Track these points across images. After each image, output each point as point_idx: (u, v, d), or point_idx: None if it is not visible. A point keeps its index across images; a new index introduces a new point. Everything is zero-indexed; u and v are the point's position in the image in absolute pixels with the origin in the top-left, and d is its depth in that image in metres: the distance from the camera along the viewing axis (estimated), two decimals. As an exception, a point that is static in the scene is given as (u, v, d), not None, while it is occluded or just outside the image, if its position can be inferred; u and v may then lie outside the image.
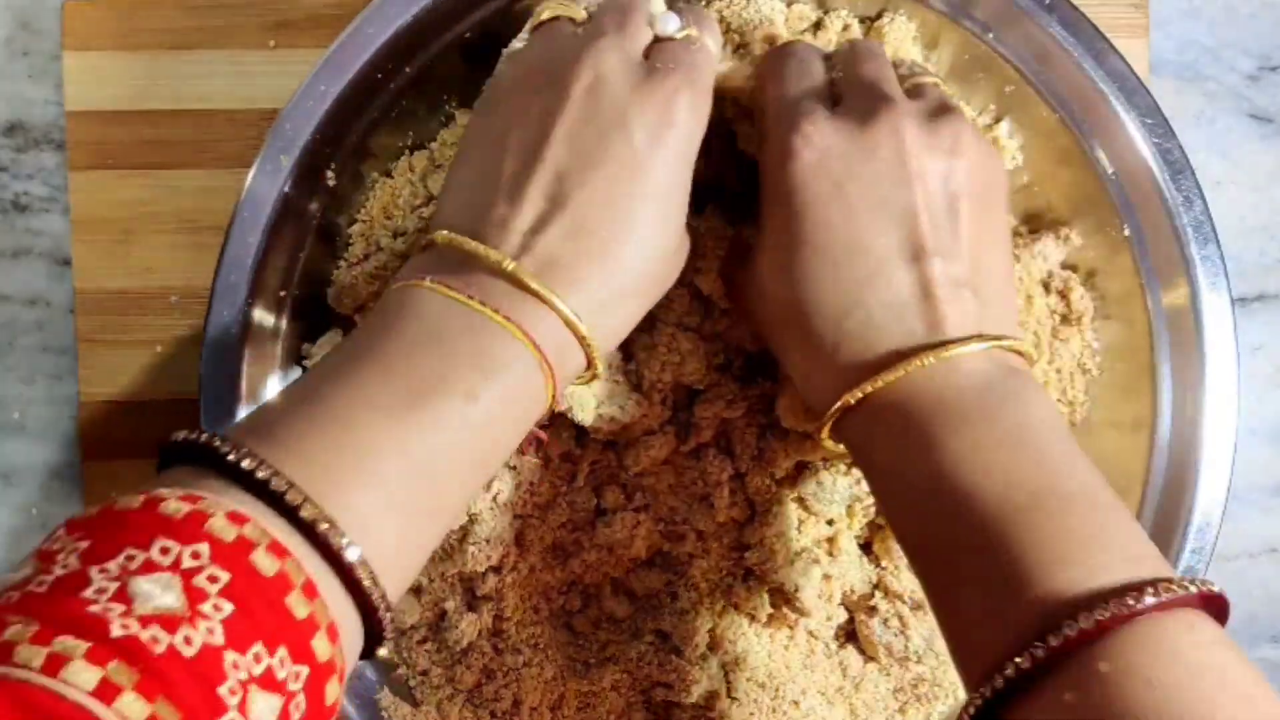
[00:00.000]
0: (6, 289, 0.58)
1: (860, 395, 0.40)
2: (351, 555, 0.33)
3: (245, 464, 0.33)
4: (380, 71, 0.49)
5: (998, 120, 0.52)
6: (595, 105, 0.40)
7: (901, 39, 0.51)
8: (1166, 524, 0.50)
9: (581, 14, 0.44)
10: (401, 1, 0.48)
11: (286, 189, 0.49)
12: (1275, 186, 0.60)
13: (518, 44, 0.45)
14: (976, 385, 0.39)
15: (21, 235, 0.58)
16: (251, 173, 0.48)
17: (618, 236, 0.40)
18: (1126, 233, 0.50)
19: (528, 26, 0.46)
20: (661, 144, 0.40)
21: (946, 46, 0.51)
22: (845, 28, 0.51)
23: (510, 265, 0.38)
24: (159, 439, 0.36)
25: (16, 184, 0.58)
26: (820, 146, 0.41)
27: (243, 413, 0.49)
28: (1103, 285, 0.52)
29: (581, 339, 0.39)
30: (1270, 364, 0.60)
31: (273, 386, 0.50)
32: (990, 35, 0.49)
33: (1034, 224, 0.53)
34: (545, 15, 0.45)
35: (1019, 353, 0.41)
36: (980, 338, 0.40)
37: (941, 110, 0.43)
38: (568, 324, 0.39)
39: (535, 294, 0.38)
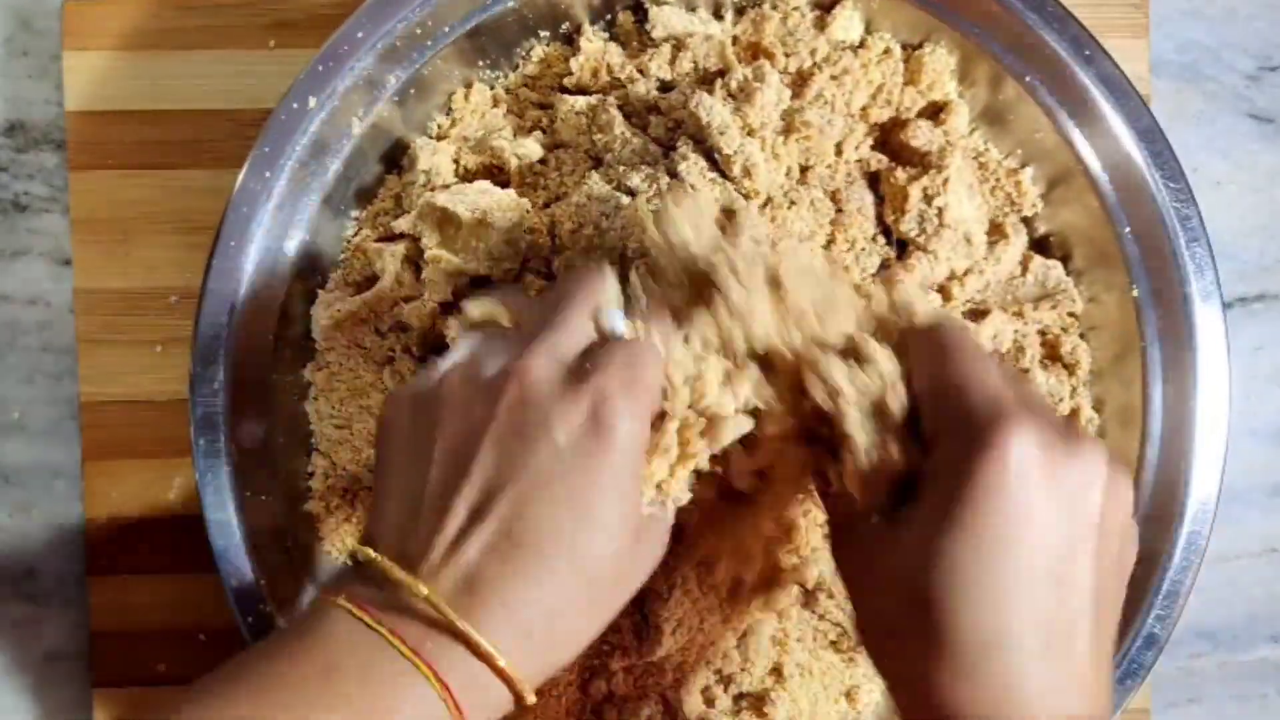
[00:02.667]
0: (6, 289, 0.58)
1: None
2: None
3: None
4: (370, 70, 0.49)
5: (1023, 166, 0.52)
6: (522, 415, 0.38)
7: (940, 71, 0.51)
8: (1160, 523, 0.50)
9: (506, 321, 0.43)
10: (390, 5, 0.48)
11: (279, 188, 0.49)
12: (1275, 186, 0.60)
13: (449, 356, 0.42)
14: None
15: (21, 235, 0.58)
16: (243, 171, 0.48)
17: (548, 555, 0.37)
18: (1122, 232, 0.50)
19: (455, 327, 0.44)
20: (589, 451, 0.37)
21: (981, 86, 0.51)
22: (886, 51, 0.51)
23: (425, 592, 0.36)
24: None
25: (16, 184, 0.58)
26: (1029, 461, 0.36)
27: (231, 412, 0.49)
28: (1093, 285, 0.52)
29: (502, 672, 0.36)
30: (1270, 364, 0.60)
31: (267, 386, 0.51)
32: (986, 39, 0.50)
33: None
34: (475, 316, 0.43)
35: None
36: None
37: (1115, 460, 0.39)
38: (485, 658, 0.36)
39: (452, 628, 0.36)
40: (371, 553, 0.38)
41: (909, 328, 0.42)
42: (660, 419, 0.41)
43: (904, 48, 0.52)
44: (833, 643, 0.53)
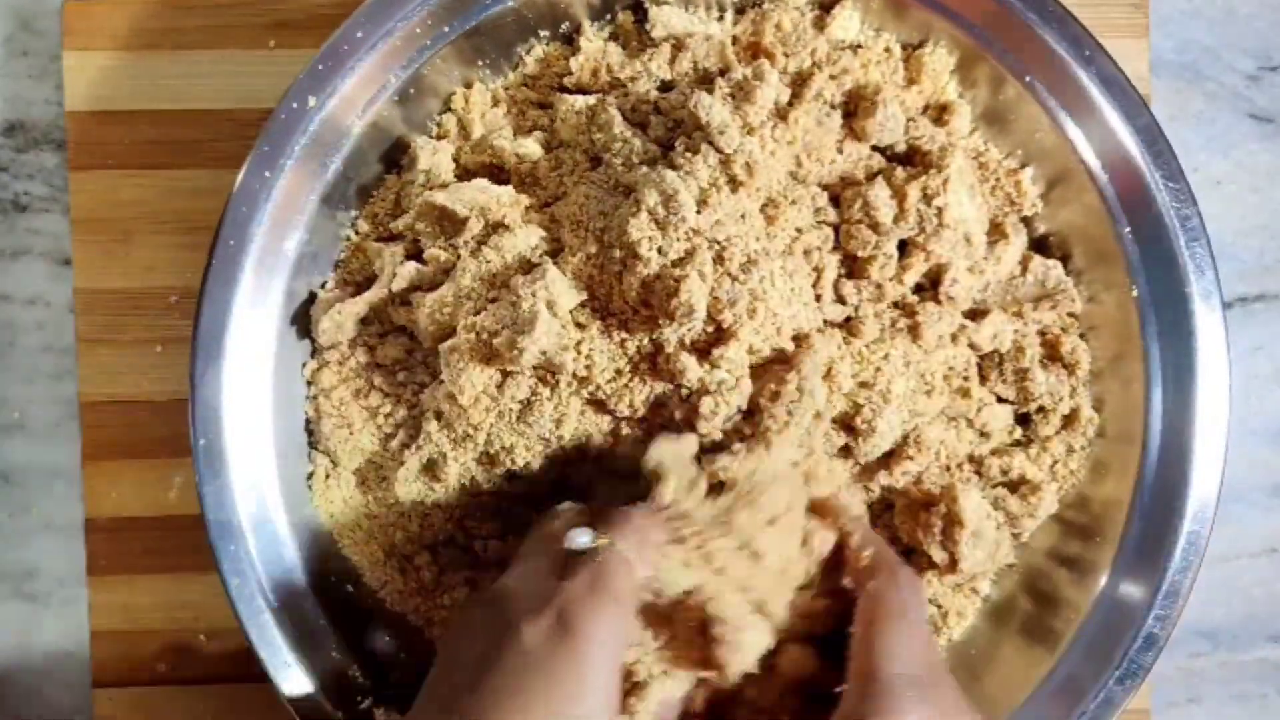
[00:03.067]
0: (6, 289, 0.58)
1: None
2: None
3: None
4: (369, 70, 0.49)
5: (1023, 166, 0.52)
6: (499, 622, 0.41)
7: (940, 71, 0.51)
8: (1159, 522, 0.50)
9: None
10: (390, 5, 0.48)
11: (278, 187, 0.49)
12: (1275, 186, 0.60)
13: None
14: None
15: (21, 235, 0.58)
16: (242, 171, 0.48)
17: None
18: (1122, 232, 0.50)
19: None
20: (555, 653, 0.39)
21: (982, 86, 0.52)
22: (886, 51, 0.51)
23: None
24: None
25: (16, 184, 0.58)
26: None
27: (231, 412, 0.49)
28: (1092, 285, 0.52)
29: None
30: (1270, 364, 0.60)
31: (266, 384, 0.51)
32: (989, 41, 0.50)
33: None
34: None
35: None
36: None
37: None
38: None
39: None
40: None
41: (865, 573, 0.47)
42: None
43: (904, 48, 0.52)
44: None
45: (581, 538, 0.44)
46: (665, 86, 0.52)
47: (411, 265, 0.51)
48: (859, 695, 0.43)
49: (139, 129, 0.57)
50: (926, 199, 0.50)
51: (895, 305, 0.52)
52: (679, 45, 0.51)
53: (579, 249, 0.48)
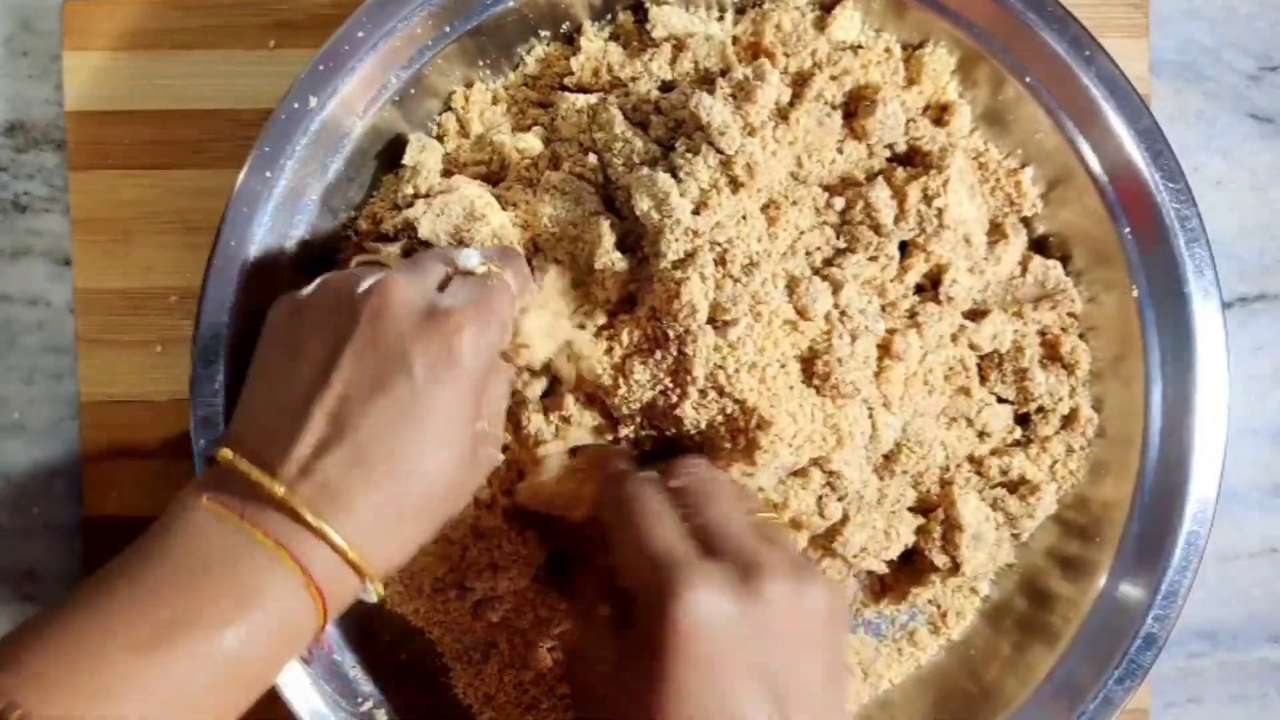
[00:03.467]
0: (6, 289, 0.58)
1: None
2: None
3: None
4: (370, 70, 0.49)
5: (1023, 166, 0.52)
6: (381, 334, 0.41)
7: (940, 71, 0.51)
8: (1158, 523, 0.50)
9: (389, 261, 0.47)
10: (391, 5, 0.48)
11: (278, 187, 0.49)
12: (1275, 186, 0.60)
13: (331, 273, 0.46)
14: None
15: (21, 235, 0.58)
16: (243, 172, 0.48)
17: (396, 468, 0.40)
18: (1122, 232, 0.50)
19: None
20: (441, 380, 0.41)
21: (982, 87, 0.52)
22: (887, 51, 0.51)
23: (283, 492, 0.39)
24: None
25: (16, 184, 0.58)
26: (705, 615, 0.39)
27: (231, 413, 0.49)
28: (1092, 286, 0.52)
29: (354, 566, 0.40)
30: (1270, 364, 0.60)
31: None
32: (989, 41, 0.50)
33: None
34: (357, 257, 0.47)
35: None
36: None
37: (803, 565, 0.42)
38: (338, 551, 0.39)
39: (307, 525, 0.39)
40: (231, 455, 0.41)
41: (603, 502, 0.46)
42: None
43: (904, 48, 0.52)
44: None
45: (472, 259, 0.45)
46: (666, 86, 0.52)
47: None
48: (640, 586, 0.41)
49: (139, 129, 0.57)
50: (927, 199, 0.50)
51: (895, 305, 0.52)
52: (680, 45, 0.51)
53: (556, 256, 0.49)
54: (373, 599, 0.42)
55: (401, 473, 0.40)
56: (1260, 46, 0.60)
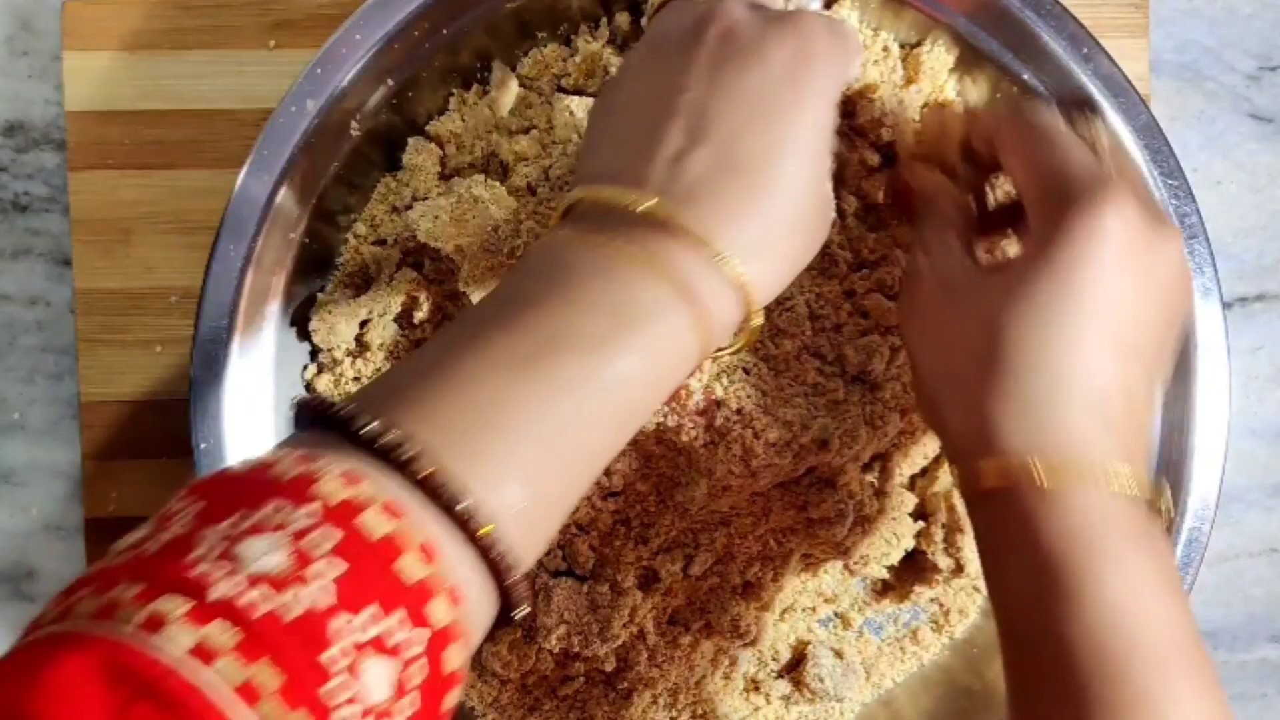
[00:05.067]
0: (6, 289, 0.58)
1: (1031, 472, 0.38)
2: (473, 514, 0.31)
3: (359, 423, 0.31)
4: (367, 74, 0.49)
5: None
6: (731, 46, 0.38)
7: (939, 69, 0.51)
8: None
9: None
10: (388, 8, 0.48)
11: (277, 190, 0.49)
12: (1275, 186, 0.60)
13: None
14: (1136, 522, 0.38)
15: (21, 235, 0.58)
16: (242, 174, 0.48)
17: (766, 168, 0.37)
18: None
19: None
20: (798, 79, 0.38)
21: (980, 85, 0.52)
22: (884, 50, 0.51)
23: (649, 203, 0.36)
24: (293, 401, 0.34)
25: (16, 184, 0.58)
26: (1133, 223, 0.40)
27: (232, 413, 0.49)
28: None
29: (736, 279, 0.36)
30: (1270, 364, 0.60)
31: (266, 386, 0.51)
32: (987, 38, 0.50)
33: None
34: None
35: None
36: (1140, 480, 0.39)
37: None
38: (719, 261, 0.36)
39: (679, 229, 0.36)
40: (593, 187, 0.38)
41: (999, 119, 0.45)
42: None
43: (902, 46, 0.52)
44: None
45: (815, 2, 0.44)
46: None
47: (410, 272, 0.51)
48: (1054, 194, 0.41)
49: (139, 129, 0.56)
50: None
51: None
52: None
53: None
54: (759, 321, 0.38)
55: (774, 177, 0.37)
56: (1260, 46, 0.60)
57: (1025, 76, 0.50)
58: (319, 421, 0.33)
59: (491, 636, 0.48)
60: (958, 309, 0.42)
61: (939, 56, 0.51)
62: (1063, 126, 0.43)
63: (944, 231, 0.44)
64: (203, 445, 0.49)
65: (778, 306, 0.49)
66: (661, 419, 0.48)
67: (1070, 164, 0.41)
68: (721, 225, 0.36)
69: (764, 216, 0.37)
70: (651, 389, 0.36)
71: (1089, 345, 0.39)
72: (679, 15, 0.41)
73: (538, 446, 0.33)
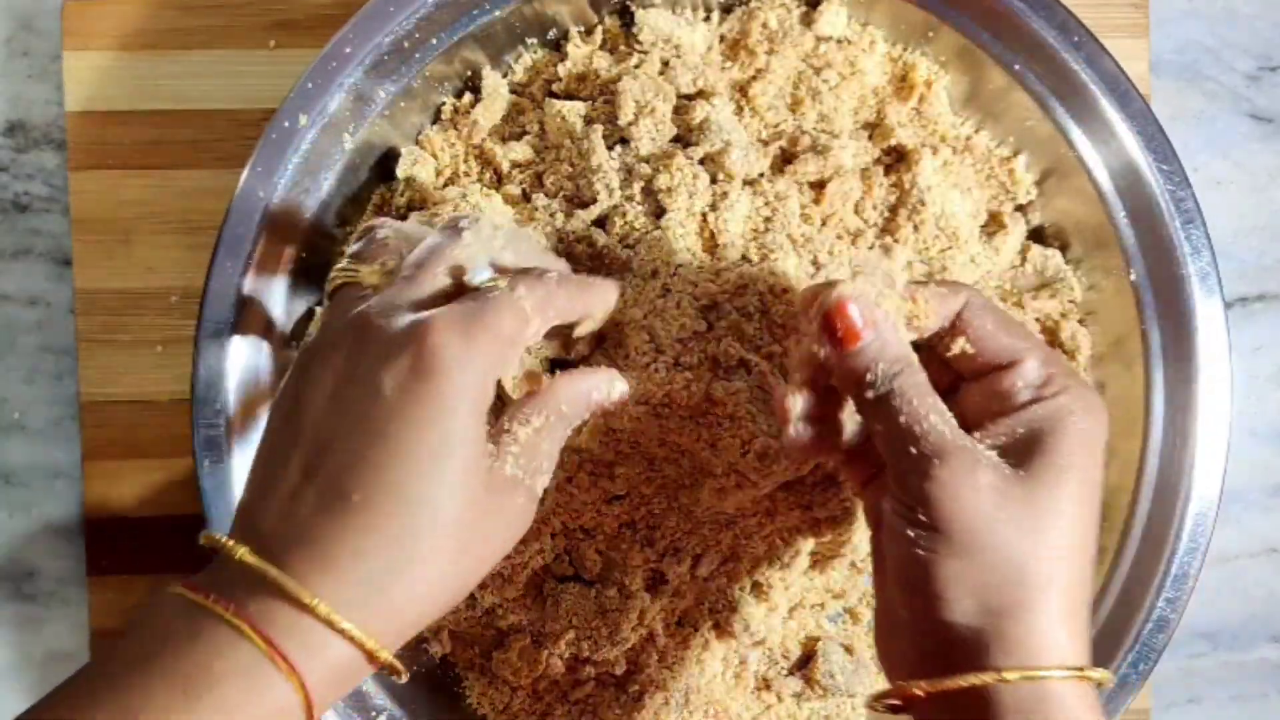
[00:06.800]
0: (6, 289, 0.58)
1: (968, 684, 0.37)
2: None
3: None
4: (359, 85, 0.49)
5: (1015, 154, 0.52)
6: (353, 364, 0.37)
7: (929, 63, 0.51)
8: (1165, 505, 0.50)
9: (372, 278, 0.41)
10: (378, 18, 0.49)
11: (272, 205, 0.49)
12: (1275, 186, 0.60)
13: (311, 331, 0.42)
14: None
15: (21, 235, 0.58)
16: (244, 174, 0.48)
17: (375, 499, 0.35)
18: (1118, 217, 0.50)
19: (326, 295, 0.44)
20: (414, 393, 0.36)
21: (970, 75, 0.52)
22: (873, 44, 0.52)
23: (242, 552, 0.35)
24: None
25: (16, 184, 0.58)
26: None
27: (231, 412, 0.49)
28: (1091, 273, 0.53)
29: (337, 628, 0.34)
30: (1270, 364, 0.60)
31: (266, 386, 0.51)
32: (987, 38, 0.50)
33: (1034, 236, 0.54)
34: (335, 283, 0.42)
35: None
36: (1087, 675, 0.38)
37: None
38: (311, 611, 0.34)
39: (271, 581, 0.34)
40: (210, 537, 0.37)
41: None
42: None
43: (892, 41, 0.52)
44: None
45: (480, 274, 0.40)
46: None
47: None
48: (1041, 362, 0.40)
49: (139, 129, 0.56)
50: (913, 190, 0.50)
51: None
52: (667, 63, 0.51)
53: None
54: (385, 657, 0.36)
55: (387, 511, 0.35)
56: (1260, 46, 0.60)
57: (1016, 66, 0.50)
58: None
59: (500, 644, 0.47)
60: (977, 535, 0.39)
61: (929, 49, 0.51)
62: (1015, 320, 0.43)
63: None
64: (206, 464, 0.49)
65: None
66: (663, 420, 0.48)
67: (1052, 364, 0.41)
68: (321, 572, 0.35)
69: (382, 551, 0.35)
70: None
71: (1087, 553, 0.39)
72: (331, 319, 0.40)
73: None
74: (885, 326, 0.40)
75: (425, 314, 0.38)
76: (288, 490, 0.36)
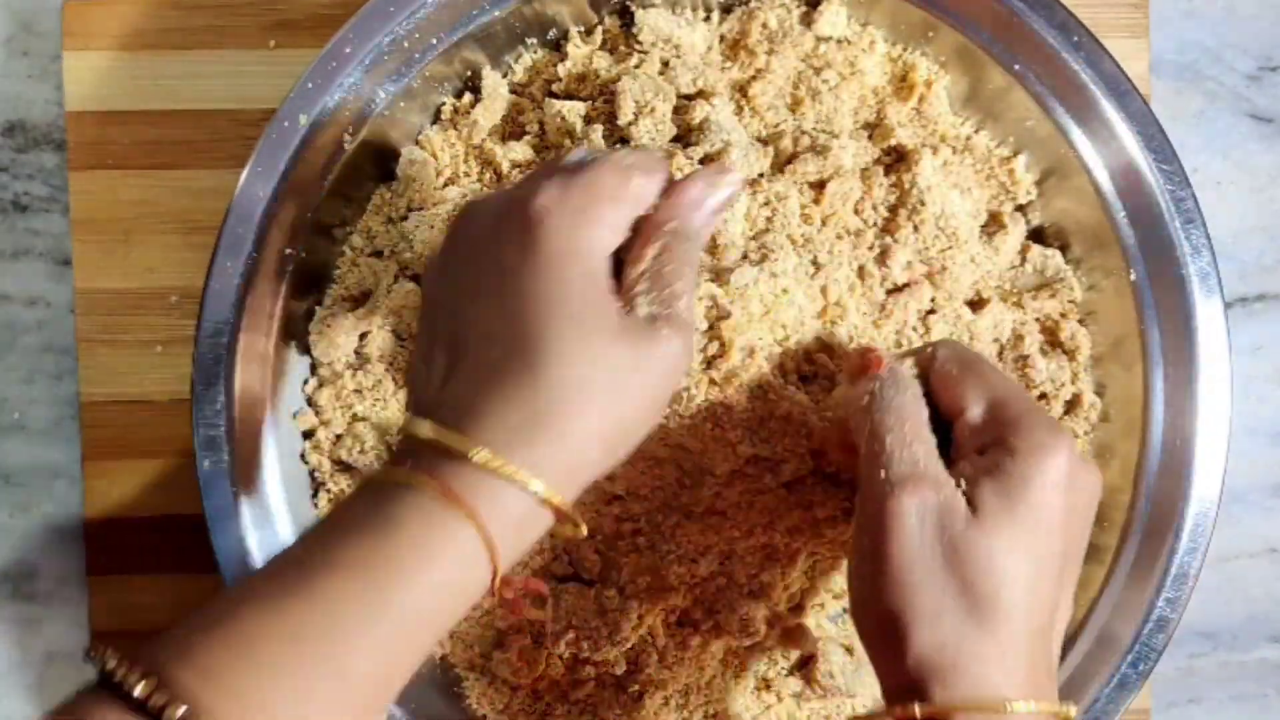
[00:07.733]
0: (6, 289, 0.58)
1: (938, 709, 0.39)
2: None
3: (138, 691, 0.33)
4: (358, 86, 0.50)
5: (1015, 154, 0.52)
6: (468, 246, 0.40)
7: (929, 63, 0.51)
8: (1165, 505, 0.50)
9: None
10: (378, 19, 0.49)
11: (272, 206, 0.49)
12: (1275, 186, 0.60)
13: None
14: None
15: (21, 235, 0.58)
16: (244, 174, 0.49)
17: (513, 354, 0.37)
18: (1118, 217, 0.50)
19: None
20: (528, 258, 0.38)
21: (971, 76, 0.52)
22: (873, 44, 0.51)
23: (423, 427, 0.37)
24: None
25: (16, 184, 0.58)
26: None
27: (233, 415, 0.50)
28: (1091, 273, 0.52)
29: (511, 476, 0.36)
30: (1270, 364, 0.60)
31: (266, 385, 0.51)
32: (989, 41, 0.50)
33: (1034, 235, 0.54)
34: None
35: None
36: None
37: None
38: (468, 460, 0.36)
39: (443, 447, 0.36)
40: (404, 418, 0.39)
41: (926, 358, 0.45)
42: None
43: (892, 41, 0.52)
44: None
45: (579, 152, 0.41)
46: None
47: (408, 284, 0.51)
48: (997, 424, 0.41)
49: (139, 129, 0.57)
50: (913, 190, 0.50)
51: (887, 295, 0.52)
52: (667, 63, 0.51)
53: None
54: (564, 499, 0.37)
55: (525, 360, 0.37)
56: (1260, 46, 0.60)
57: (1015, 66, 0.50)
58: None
59: (500, 644, 0.48)
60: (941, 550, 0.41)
61: (929, 50, 0.51)
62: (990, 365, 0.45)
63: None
64: (206, 464, 0.49)
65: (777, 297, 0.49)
66: (664, 420, 0.48)
67: (1016, 402, 0.42)
68: (484, 425, 0.36)
69: (525, 405, 0.36)
70: (444, 611, 0.37)
71: (1049, 586, 0.41)
72: (462, 223, 0.42)
73: (314, 678, 0.34)
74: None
75: (529, 190, 0.39)
76: (439, 378, 0.39)
